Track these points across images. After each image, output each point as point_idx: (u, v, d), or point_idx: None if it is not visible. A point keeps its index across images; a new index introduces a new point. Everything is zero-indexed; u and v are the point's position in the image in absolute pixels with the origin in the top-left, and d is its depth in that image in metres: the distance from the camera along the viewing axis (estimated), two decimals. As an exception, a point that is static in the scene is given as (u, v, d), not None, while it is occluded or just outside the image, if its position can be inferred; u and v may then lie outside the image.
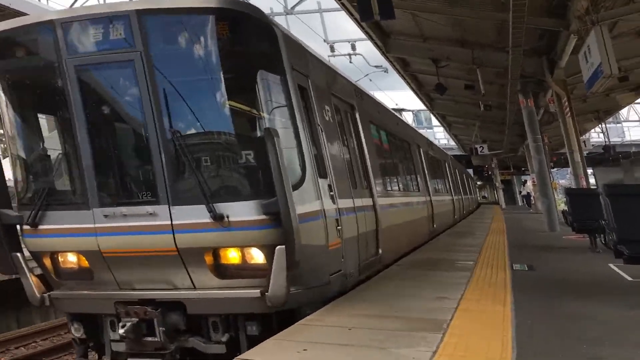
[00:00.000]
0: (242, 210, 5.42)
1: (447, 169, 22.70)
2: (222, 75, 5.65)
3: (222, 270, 5.67)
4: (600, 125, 33.01)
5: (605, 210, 7.17)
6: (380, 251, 8.17)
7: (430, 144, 19.83)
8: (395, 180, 11.54)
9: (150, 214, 5.55)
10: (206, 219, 5.40)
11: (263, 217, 5.36)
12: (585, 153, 19.65)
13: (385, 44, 17.03)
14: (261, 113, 5.80)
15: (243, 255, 5.67)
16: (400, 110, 31.19)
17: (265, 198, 5.33)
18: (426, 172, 15.50)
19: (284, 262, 5.14)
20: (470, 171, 53.69)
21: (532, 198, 41.18)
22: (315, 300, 5.99)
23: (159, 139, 5.57)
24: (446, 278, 7.80)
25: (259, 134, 5.66)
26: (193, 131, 5.88)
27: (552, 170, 27.63)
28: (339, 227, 6.40)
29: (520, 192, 51.83)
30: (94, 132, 5.80)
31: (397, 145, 12.61)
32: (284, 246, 5.15)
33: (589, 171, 34.54)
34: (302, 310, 5.84)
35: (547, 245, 12.63)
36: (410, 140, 14.43)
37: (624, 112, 44.12)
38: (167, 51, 5.71)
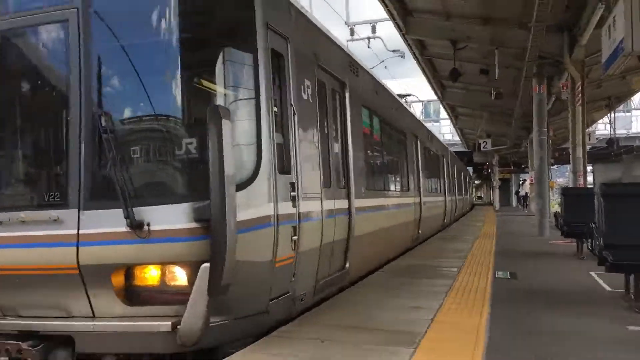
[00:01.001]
0: (168, 216, 4.30)
1: (445, 166, 21.45)
2: (170, 38, 4.59)
3: (132, 295, 4.51)
4: (608, 115, 32.71)
5: (598, 212, 7.04)
6: (347, 265, 7.18)
7: (430, 135, 18.13)
8: (382, 178, 10.16)
9: (54, 220, 4.43)
10: (121, 227, 4.28)
11: (194, 225, 4.28)
12: (588, 147, 19.72)
13: (406, 23, 16.94)
14: (214, 88, 4.71)
15: (162, 275, 4.51)
16: (405, 96, 29.30)
17: (200, 200, 4.24)
18: (420, 168, 14.13)
19: (206, 286, 4.11)
20: (470, 169, 53.69)
21: (528, 199, 41.24)
22: (246, 334, 4.92)
23: (82, 122, 4.49)
24: (427, 286, 7.82)
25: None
26: (127, 113, 4.75)
27: (552, 167, 27.66)
28: (294, 237, 5.32)
29: (517, 192, 51.71)
30: None
31: (390, 135, 11.13)
32: (209, 264, 4.12)
33: (589, 168, 34.45)
34: (225, 349, 4.81)
35: (533, 251, 12.67)
36: (407, 130, 12.85)
37: (635, 99, 43.89)
38: (108, 8, 4.64)
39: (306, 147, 5.85)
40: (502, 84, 20.57)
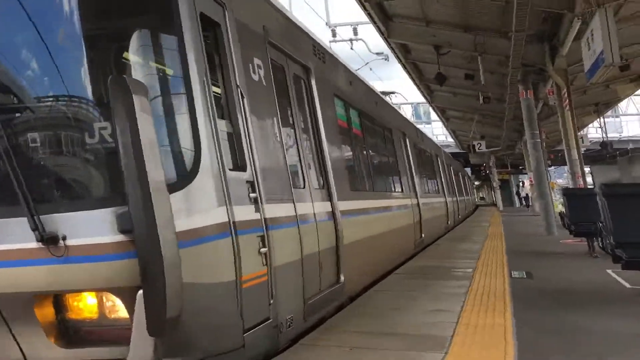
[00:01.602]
0: (87, 227, 3.37)
1: (441, 166, 20.59)
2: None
3: (65, 333, 3.58)
4: (598, 120, 32.87)
5: (602, 211, 7.03)
6: (342, 278, 6.31)
7: (419, 133, 17.18)
8: (369, 177, 9.16)
9: None
10: (30, 242, 3.33)
11: (121, 237, 3.36)
12: (583, 150, 19.74)
13: (388, 27, 17.04)
14: (130, 59, 3.87)
15: (100, 305, 3.59)
16: (389, 94, 27.97)
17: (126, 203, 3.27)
18: (413, 167, 13.22)
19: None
20: (468, 170, 53.68)
21: (530, 199, 41.34)
22: None
23: None
24: (445, 288, 7.74)
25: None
26: (22, 92, 3.84)
27: (549, 168, 27.73)
28: (263, 250, 4.38)
29: (518, 193, 51.86)
30: None
31: (373, 131, 10.24)
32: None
33: (587, 169, 34.66)
34: None
35: (544, 251, 12.59)
36: (393, 126, 11.91)
37: (622, 105, 44.20)
38: None
39: (265, 139, 4.89)
40: (489, 89, 20.63)
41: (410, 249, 11.46)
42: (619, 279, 8.24)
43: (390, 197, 10.22)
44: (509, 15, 13.03)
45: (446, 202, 19.58)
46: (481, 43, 16.28)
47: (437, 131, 52.64)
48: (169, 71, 3.95)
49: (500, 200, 49.65)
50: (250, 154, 4.51)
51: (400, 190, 11.31)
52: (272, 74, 5.34)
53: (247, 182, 4.40)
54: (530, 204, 42.08)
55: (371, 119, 9.89)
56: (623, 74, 18.18)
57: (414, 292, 7.42)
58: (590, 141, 35.17)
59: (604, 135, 34.56)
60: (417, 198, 12.63)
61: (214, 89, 4.25)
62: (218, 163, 3.96)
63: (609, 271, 8.82)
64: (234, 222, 3.99)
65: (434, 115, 46.16)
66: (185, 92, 3.84)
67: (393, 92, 32.29)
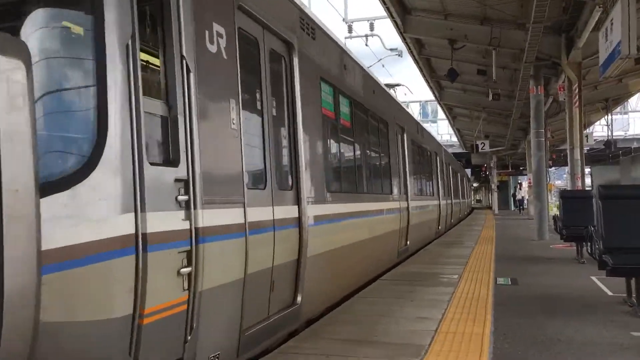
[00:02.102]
0: None
1: (439, 165, 19.51)
2: None
3: None
4: (605, 117, 32.78)
5: (596, 214, 7.01)
6: (298, 298, 5.41)
7: (420, 129, 15.87)
8: (355, 177, 8.18)
9: None
10: None
11: None
12: (586, 149, 19.82)
13: (405, 22, 17.13)
14: (23, 10, 3.04)
15: None
16: (394, 86, 25.71)
17: None
18: (407, 167, 12.23)
19: None
20: (468, 171, 53.70)
21: (525, 202, 41.44)
22: None
23: None
24: (430, 295, 7.82)
25: None
26: None
27: (550, 169, 27.78)
28: (185, 270, 3.47)
29: (514, 195, 51.91)
30: None
31: (367, 124, 9.12)
32: None
33: (587, 170, 34.57)
34: None
35: (533, 256, 12.69)
36: (390, 119, 10.76)
37: (632, 101, 44.17)
38: None
39: (215, 127, 3.97)
40: (500, 85, 20.77)
41: (392, 259, 10.49)
42: (602, 285, 8.33)
43: (375, 199, 9.16)
44: (529, 6, 13.10)
45: (439, 205, 18.65)
46: (497, 37, 16.40)
47: (442, 130, 53.09)
48: (77, 28, 3.09)
49: (497, 203, 49.48)
50: (188, 144, 3.59)
51: (389, 192, 10.34)
52: (238, 46, 4.36)
53: (178, 180, 3.50)
54: (524, 207, 42.27)
55: (365, 109, 8.83)
56: (637, 67, 18.26)
57: (397, 299, 7.48)
58: (595, 140, 35.00)
59: (610, 133, 34.28)
60: (407, 201, 11.82)
61: (147, 57, 3.43)
62: (132, 154, 3.08)
63: (593, 278, 8.93)
64: (144, 235, 3.10)
65: (440, 114, 46.44)
66: (95, 56, 3.02)
67: (398, 85, 30.58)
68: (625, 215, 6.86)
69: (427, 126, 31.88)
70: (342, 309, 6.93)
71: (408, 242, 11.84)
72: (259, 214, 4.61)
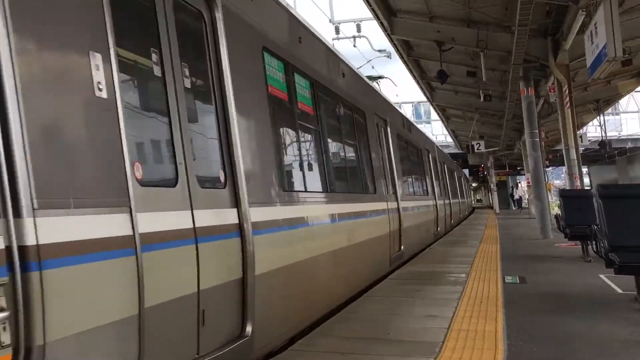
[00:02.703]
0: None
1: (432, 163, 18.46)
2: None
3: None
4: (598, 118, 32.81)
5: (598, 213, 6.99)
6: (249, 328, 4.22)
7: (407, 123, 14.46)
8: (324, 172, 6.88)
9: None
10: None
11: None
12: (581, 149, 19.80)
13: (391, 23, 17.11)
14: None
15: None
16: (377, 78, 24.09)
17: None
18: (394, 163, 11.08)
19: None
20: (466, 172, 53.67)
21: (524, 201, 41.53)
22: None
23: None
24: (439, 294, 7.79)
25: None
26: None
27: (547, 169, 27.76)
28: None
29: (512, 195, 51.97)
30: None
31: (335, 110, 7.95)
32: None
33: (584, 170, 34.61)
34: None
35: (539, 255, 12.65)
36: (369, 110, 9.51)
37: (623, 102, 44.35)
38: None
39: (58, 89, 2.79)
40: (490, 86, 20.76)
41: (383, 267, 9.20)
42: (611, 283, 8.30)
43: (354, 200, 7.80)
44: (513, 9, 13.10)
45: (436, 205, 17.49)
46: (483, 39, 16.37)
47: (436, 131, 53.15)
48: None
49: (497, 202, 49.50)
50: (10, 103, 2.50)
51: (372, 191, 8.95)
52: None
53: None
54: (524, 206, 42.31)
55: (333, 95, 7.70)
56: (625, 69, 18.29)
57: (407, 298, 7.46)
58: (589, 140, 35.05)
59: (603, 134, 34.28)
60: (397, 201, 10.65)
61: None
62: None
63: (602, 276, 8.89)
64: None
65: (433, 115, 46.49)
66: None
67: (381, 77, 26.43)
68: (627, 213, 6.86)
69: (422, 127, 31.71)
70: (350, 309, 6.91)
71: (402, 247, 10.76)
72: (163, 220, 3.43)
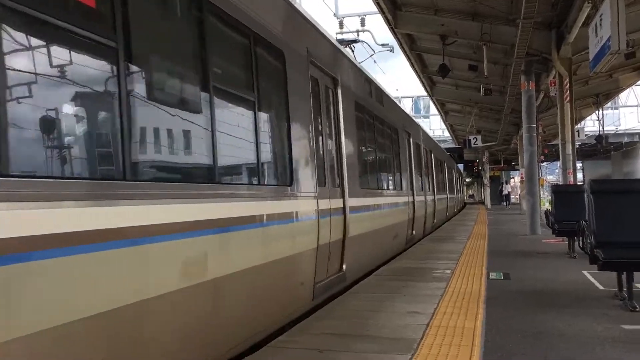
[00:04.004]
0: None
1: (413, 149, 15.54)
2: None
3: None
4: (597, 112, 32.87)
5: (588, 209, 7.03)
6: (344, 266, 5.33)
7: (373, 88, 10.76)
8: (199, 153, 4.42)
9: None
10: None
11: None
12: (577, 144, 19.91)
13: (396, 17, 17.18)
14: None
15: None
16: (349, 43, 18.56)
17: None
18: (343, 143, 7.75)
19: None
20: (461, 166, 53.77)
21: (512, 197, 41.78)
22: None
23: None
24: (423, 290, 7.85)
25: None
26: None
27: (542, 164, 27.86)
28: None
29: (501, 191, 52.16)
30: None
31: (264, 60, 5.53)
32: None
33: (579, 165, 34.69)
34: None
35: (525, 251, 12.75)
36: (295, 51, 6.25)
37: (622, 96, 44.40)
38: None
39: None
40: (491, 80, 20.85)
41: (302, 301, 6.46)
42: (593, 280, 8.39)
43: (251, 197, 5.08)
44: (518, 2, 13.14)
45: (413, 202, 14.28)
46: (487, 32, 16.45)
47: (435, 125, 53.35)
48: None
49: (489, 198, 49.60)
50: None
51: (287, 182, 5.92)
52: None
53: None
54: (509, 202, 42.56)
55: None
56: (626, 62, 18.40)
57: (390, 295, 7.51)
58: (587, 135, 35.09)
59: (601, 128, 34.30)
60: (343, 198, 7.63)
61: None
62: None
63: (585, 272, 8.99)
64: None
65: (432, 110, 46.56)
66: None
67: (355, 41, 19.42)
68: (617, 209, 6.90)
69: (420, 121, 31.55)
70: (334, 305, 6.95)
71: (344, 266, 7.77)
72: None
